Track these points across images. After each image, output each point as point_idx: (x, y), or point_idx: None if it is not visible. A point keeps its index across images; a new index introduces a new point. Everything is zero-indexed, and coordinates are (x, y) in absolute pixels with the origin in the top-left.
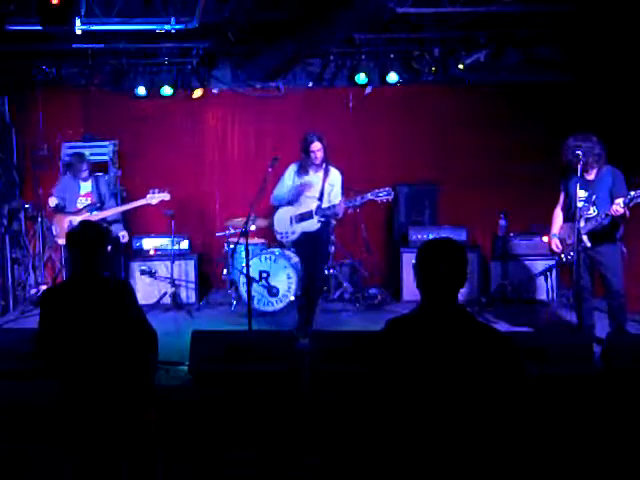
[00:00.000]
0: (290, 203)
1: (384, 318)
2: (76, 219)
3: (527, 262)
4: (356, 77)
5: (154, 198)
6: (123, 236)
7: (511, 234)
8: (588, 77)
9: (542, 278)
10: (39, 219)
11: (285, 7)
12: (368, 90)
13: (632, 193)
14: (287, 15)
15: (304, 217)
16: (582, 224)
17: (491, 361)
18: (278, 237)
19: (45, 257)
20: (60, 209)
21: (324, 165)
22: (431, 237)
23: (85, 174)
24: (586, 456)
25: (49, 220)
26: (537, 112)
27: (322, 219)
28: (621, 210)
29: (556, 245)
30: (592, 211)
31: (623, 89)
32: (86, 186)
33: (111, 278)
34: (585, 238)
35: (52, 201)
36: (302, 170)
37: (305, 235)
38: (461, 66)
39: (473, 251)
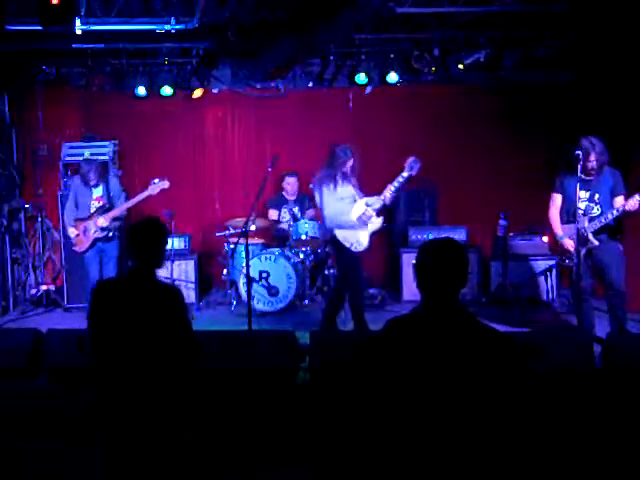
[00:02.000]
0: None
1: (384, 318)
2: (90, 224)
3: (527, 262)
4: (356, 77)
5: (155, 188)
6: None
7: (511, 234)
8: (588, 77)
9: (542, 278)
10: (39, 219)
11: (285, 7)
12: (368, 90)
13: None
14: (287, 15)
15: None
16: (586, 224)
17: (491, 362)
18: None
19: (45, 257)
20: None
21: None
22: (431, 237)
23: (94, 182)
24: (586, 455)
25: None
26: (537, 112)
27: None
28: (637, 205)
29: (571, 245)
30: (596, 210)
31: (623, 89)
32: (98, 190)
33: (164, 282)
34: (591, 237)
35: (72, 232)
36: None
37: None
38: (461, 66)
39: (473, 251)
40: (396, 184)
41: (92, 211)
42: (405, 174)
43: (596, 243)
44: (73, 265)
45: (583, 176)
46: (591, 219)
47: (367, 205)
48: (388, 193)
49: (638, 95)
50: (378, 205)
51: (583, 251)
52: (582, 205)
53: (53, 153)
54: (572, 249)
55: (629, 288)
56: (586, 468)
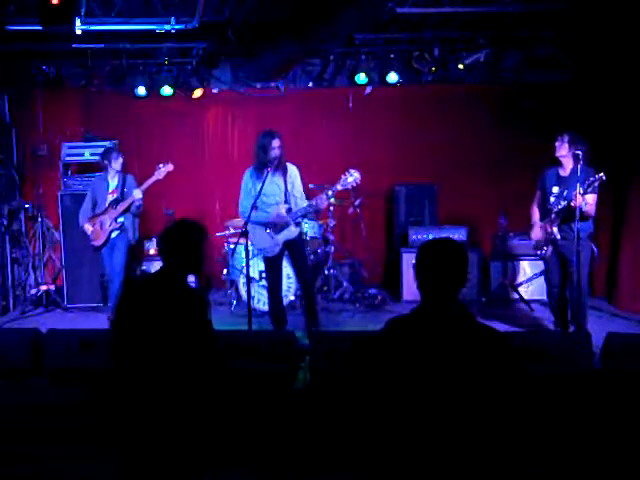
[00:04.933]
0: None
1: (384, 318)
2: (105, 218)
3: (527, 262)
4: (356, 77)
5: (162, 173)
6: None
7: (511, 234)
8: (588, 77)
9: (542, 278)
10: (39, 219)
11: (285, 7)
12: (368, 90)
13: (590, 179)
14: (287, 15)
15: (280, 227)
16: (552, 217)
17: (490, 362)
18: (262, 254)
19: (45, 257)
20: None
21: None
22: (431, 237)
23: (118, 166)
24: (585, 456)
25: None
26: (537, 112)
27: (300, 220)
28: (579, 199)
29: (536, 233)
30: (561, 206)
31: (622, 88)
32: (113, 183)
33: (191, 287)
34: (555, 230)
35: (88, 228)
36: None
37: (288, 242)
38: (461, 66)
39: (473, 251)
40: (330, 192)
41: (107, 204)
42: (338, 187)
43: (558, 237)
44: (73, 265)
45: (560, 172)
46: (556, 214)
47: (288, 211)
48: (325, 199)
49: (638, 94)
50: (310, 209)
51: (550, 247)
52: (551, 200)
53: (53, 153)
54: (537, 237)
55: (630, 288)
56: (585, 468)
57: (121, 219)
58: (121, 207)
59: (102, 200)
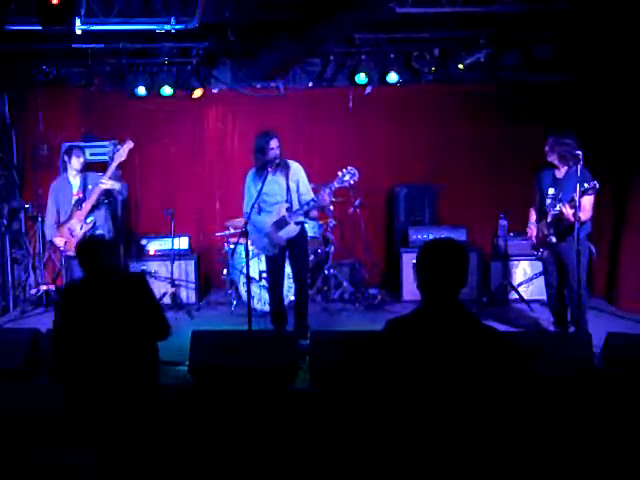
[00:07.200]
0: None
1: (384, 318)
2: (73, 223)
3: (527, 262)
4: (356, 77)
5: (122, 154)
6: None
7: (511, 234)
8: (588, 77)
9: (541, 278)
10: (39, 219)
11: (285, 7)
12: (368, 90)
13: (585, 185)
14: (287, 15)
15: (280, 225)
16: (548, 220)
17: (492, 361)
18: (263, 253)
19: (45, 257)
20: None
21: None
22: (431, 237)
23: (77, 165)
24: (585, 456)
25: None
26: (537, 112)
27: (301, 219)
28: (569, 211)
29: (532, 232)
30: (558, 208)
31: (623, 88)
32: (76, 183)
33: (127, 272)
34: (551, 232)
35: (59, 241)
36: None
37: (289, 241)
38: (461, 66)
39: (473, 251)
40: (328, 190)
41: (72, 207)
42: (335, 184)
43: (553, 240)
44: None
45: (556, 174)
46: (553, 216)
47: (288, 210)
48: (326, 195)
49: (638, 94)
50: (307, 207)
51: (546, 250)
52: (547, 202)
53: (53, 153)
54: (534, 238)
55: (630, 288)
56: (586, 469)
57: (90, 218)
58: (87, 205)
59: (67, 204)
